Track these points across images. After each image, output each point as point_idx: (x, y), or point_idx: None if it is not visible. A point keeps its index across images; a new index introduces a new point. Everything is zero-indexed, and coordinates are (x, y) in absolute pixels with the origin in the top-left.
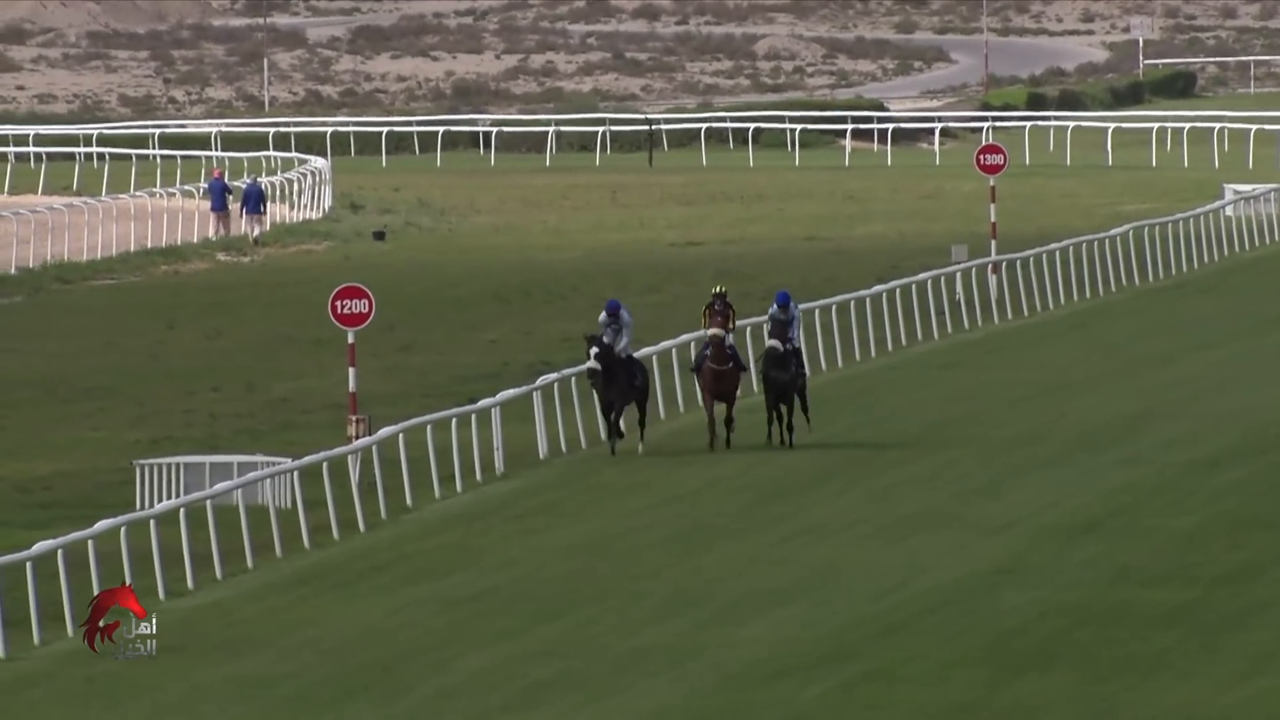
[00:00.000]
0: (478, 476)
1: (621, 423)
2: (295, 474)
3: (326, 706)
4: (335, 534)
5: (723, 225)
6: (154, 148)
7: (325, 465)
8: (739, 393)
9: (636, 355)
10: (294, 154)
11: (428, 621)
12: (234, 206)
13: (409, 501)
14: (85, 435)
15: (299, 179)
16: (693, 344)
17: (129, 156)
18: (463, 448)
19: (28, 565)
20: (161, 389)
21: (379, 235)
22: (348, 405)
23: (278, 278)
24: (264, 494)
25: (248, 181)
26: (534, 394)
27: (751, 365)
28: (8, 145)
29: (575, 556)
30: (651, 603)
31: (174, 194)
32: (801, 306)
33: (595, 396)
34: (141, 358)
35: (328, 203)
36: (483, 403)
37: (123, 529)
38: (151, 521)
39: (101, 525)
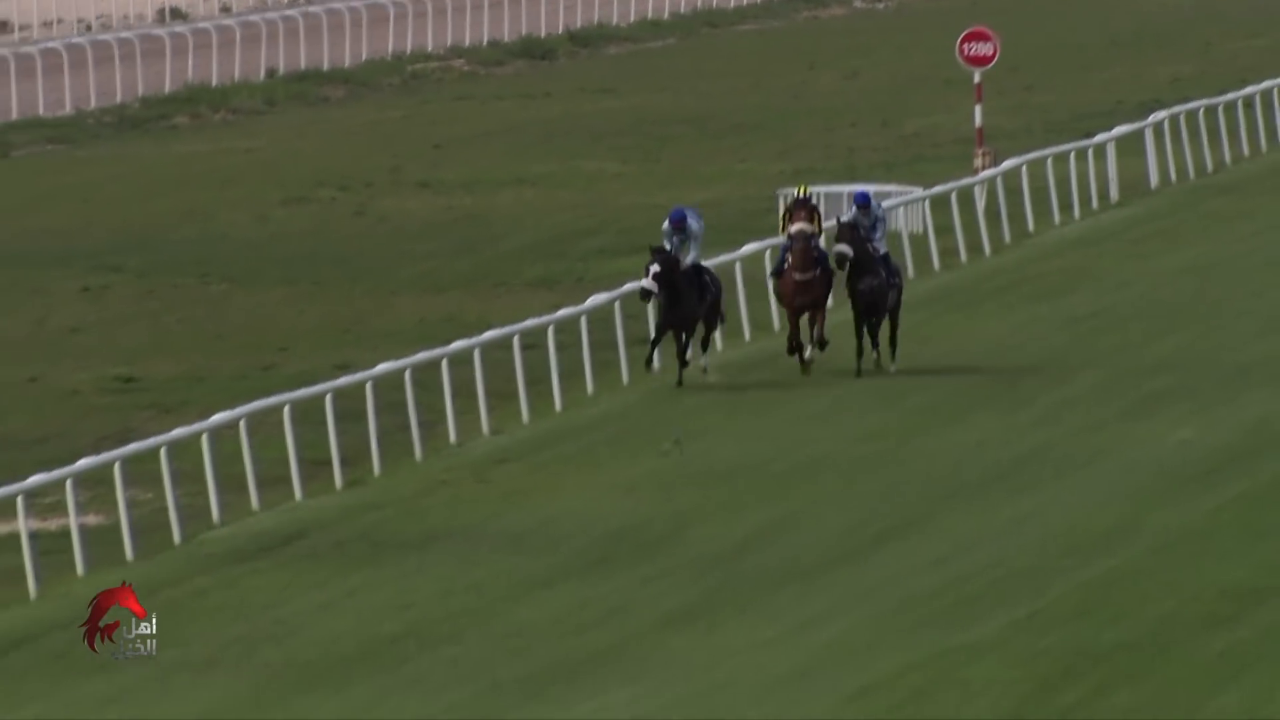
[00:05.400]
0: (1093, 205)
1: (660, 352)
2: (926, 202)
3: (955, 416)
4: (962, 257)
5: None
6: None
7: (953, 195)
8: (829, 304)
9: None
10: None
11: (1049, 337)
12: None
13: (1030, 227)
14: (733, 167)
15: None
16: (768, 251)
17: None
18: (1080, 178)
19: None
20: (803, 125)
21: None
22: (974, 139)
23: (910, 22)
24: (897, 220)
25: None
26: (1145, 130)
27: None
28: None
29: (1186, 278)
30: (1257, 321)
31: None
32: None
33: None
34: (785, 96)
35: None
36: (1099, 137)
37: (765, 253)
38: None
39: (748, 249)
